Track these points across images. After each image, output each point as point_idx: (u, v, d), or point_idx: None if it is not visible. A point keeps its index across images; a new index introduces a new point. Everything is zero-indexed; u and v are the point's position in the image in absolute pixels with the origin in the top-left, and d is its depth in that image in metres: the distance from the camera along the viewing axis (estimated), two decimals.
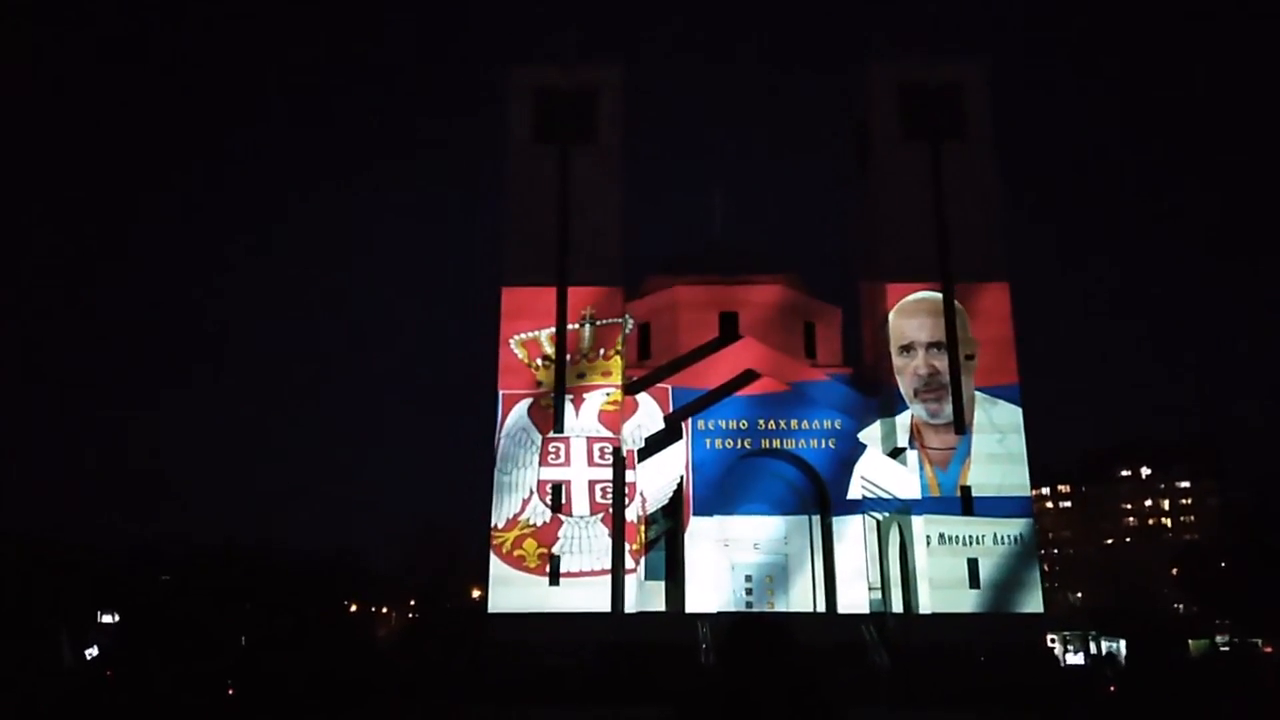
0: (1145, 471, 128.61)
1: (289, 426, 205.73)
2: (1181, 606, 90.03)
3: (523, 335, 51.73)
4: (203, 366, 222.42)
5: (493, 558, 48.83)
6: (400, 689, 38.09)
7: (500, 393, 51.01)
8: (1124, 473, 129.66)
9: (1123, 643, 68.18)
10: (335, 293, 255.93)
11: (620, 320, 52.29)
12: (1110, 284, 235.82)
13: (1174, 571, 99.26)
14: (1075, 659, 44.47)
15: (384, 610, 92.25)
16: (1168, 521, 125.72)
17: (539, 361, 51.29)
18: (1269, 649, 70.01)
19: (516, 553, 48.41)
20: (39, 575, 58.48)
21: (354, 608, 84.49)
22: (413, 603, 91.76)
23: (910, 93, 54.97)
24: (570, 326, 51.57)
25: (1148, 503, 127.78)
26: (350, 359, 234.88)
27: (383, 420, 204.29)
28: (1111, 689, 40.05)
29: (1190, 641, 70.18)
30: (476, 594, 77.78)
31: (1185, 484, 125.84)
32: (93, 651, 57.97)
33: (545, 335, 51.62)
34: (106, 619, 66.17)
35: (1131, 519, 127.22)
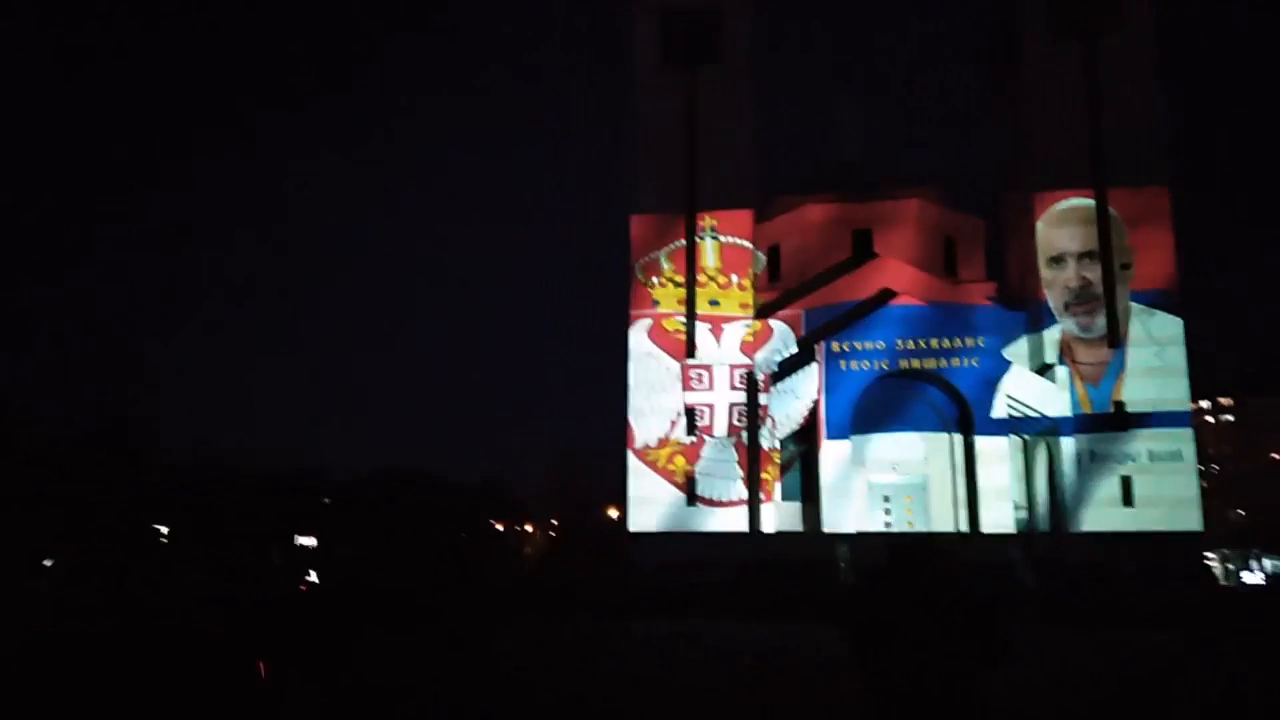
0: None
1: (429, 360, 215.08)
2: None
3: (644, 259, 52.24)
4: (341, 305, 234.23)
5: (632, 478, 50.38)
6: (549, 602, 40.12)
7: (632, 318, 51.87)
8: None
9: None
10: (473, 228, 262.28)
11: (749, 245, 51.86)
12: None
13: None
14: (1254, 578, 42.16)
15: (528, 529, 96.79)
16: None
17: (655, 280, 51.77)
18: None
19: (669, 467, 49.86)
20: (238, 500, 63.68)
21: (500, 527, 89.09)
22: (554, 522, 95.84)
23: None
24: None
25: None
26: (495, 292, 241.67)
27: (520, 351, 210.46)
28: None
29: None
30: (614, 514, 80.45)
31: None
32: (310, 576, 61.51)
33: (663, 254, 51.88)
34: (305, 541, 70.12)
35: None
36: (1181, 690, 17.76)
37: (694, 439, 50.07)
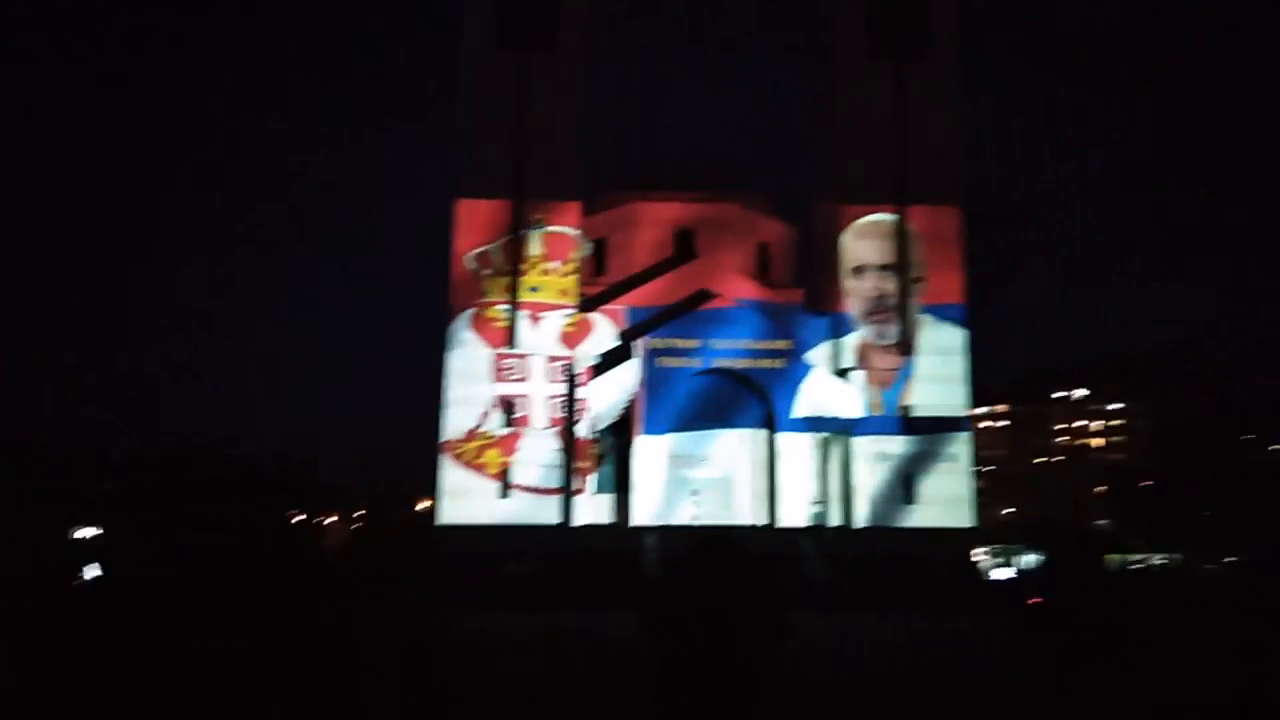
0: (1079, 392, 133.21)
1: (233, 338, 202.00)
2: (1104, 523, 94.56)
3: (477, 250, 51.36)
4: (138, 274, 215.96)
5: (444, 469, 49.39)
6: (352, 592, 38.68)
7: (453, 307, 50.80)
8: (1059, 393, 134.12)
9: (1033, 557, 71.48)
10: (287, 209, 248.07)
11: (575, 233, 51.95)
12: (1070, 205, 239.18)
13: (1098, 490, 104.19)
14: (1006, 572, 46.85)
15: (330, 520, 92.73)
16: (1100, 442, 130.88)
17: (480, 269, 51.10)
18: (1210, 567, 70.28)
19: (479, 461, 49.10)
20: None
21: (299, 518, 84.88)
22: (359, 513, 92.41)
23: (877, 10, 54.29)
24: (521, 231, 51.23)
25: (1079, 423, 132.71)
26: (302, 273, 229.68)
27: (333, 336, 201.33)
28: (1034, 600, 42.48)
29: (1111, 556, 74.11)
30: (423, 505, 78.71)
31: (1117, 405, 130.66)
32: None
33: (492, 245, 51.28)
34: (86, 533, 63.23)
35: (1062, 439, 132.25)
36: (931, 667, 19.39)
37: (509, 430, 49.63)
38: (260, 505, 65.27)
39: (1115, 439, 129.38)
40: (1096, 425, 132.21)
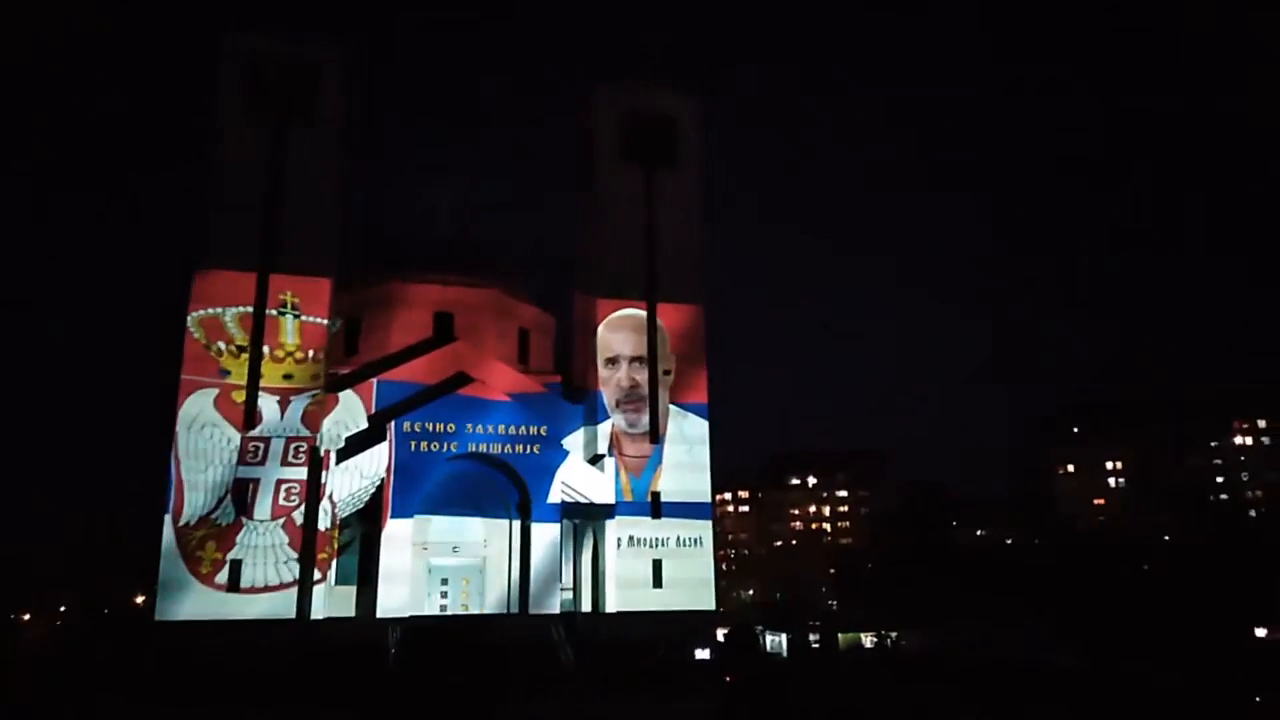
0: (812, 480, 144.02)
1: None
2: (835, 604, 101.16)
3: (201, 313, 47.76)
4: None
5: (164, 561, 44.76)
6: (55, 695, 33.98)
7: (182, 379, 46.83)
8: (795, 480, 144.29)
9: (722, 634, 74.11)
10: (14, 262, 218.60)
11: (326, 322, 49.86)
12: (809, 302, 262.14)
13: (831, 572, 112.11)
14: (702, 653, 49.10)
15: (25, 617, 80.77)
16: (828, 526, 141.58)
17: (222, 345, 47.67)
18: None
19: (198, 553, 44.83)
20: None
21: None
22: (63, 609, 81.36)
23: (631, 121, 58.15)
24: (269, 312, 48.53)
25: (812, 508, 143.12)
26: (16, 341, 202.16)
27: (51, 408, 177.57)
28: (728, 679, 44.87)
29: (840, 635, 79.12)
30: (140, 599, 70.94)
31: (843, 493, 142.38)
32: None
33: (230, 316, 48.05)
34: None
35: (798, 523, 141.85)
36: None
37: (230, 522, 45.62)
38: None
39: (843, 524, 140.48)
40: (827, 511, 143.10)
